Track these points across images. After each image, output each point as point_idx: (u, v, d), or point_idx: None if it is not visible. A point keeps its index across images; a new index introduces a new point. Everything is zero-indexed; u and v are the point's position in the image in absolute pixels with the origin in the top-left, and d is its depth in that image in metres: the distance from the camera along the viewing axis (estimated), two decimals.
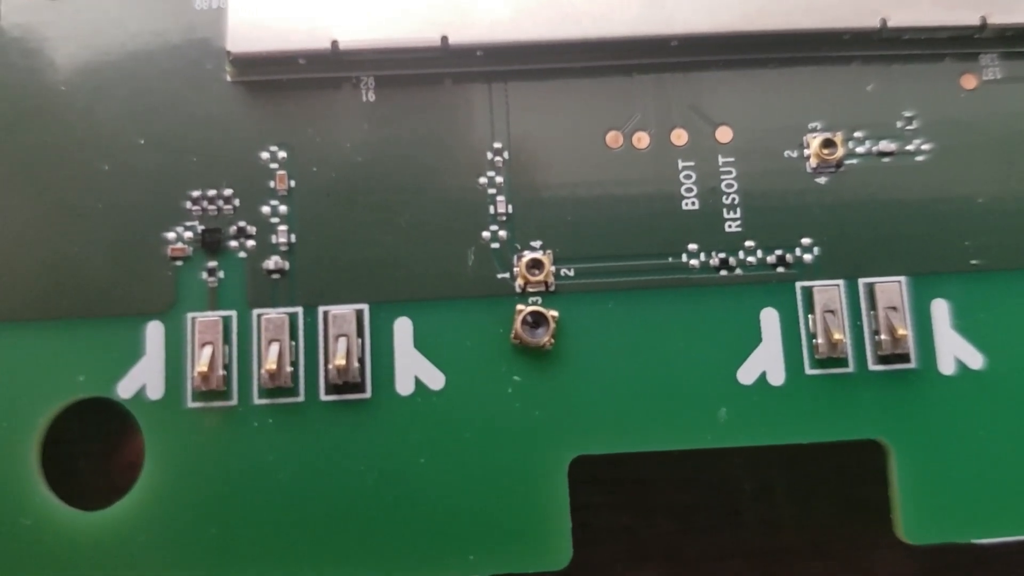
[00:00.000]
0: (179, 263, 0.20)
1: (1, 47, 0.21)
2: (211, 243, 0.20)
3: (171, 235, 0.20)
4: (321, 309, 0.20)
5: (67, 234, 0.20)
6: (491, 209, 0.21)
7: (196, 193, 0.21)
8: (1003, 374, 0.20)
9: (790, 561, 0.23)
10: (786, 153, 0.21)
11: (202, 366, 0.19)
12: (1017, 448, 0.20)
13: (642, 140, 0.21)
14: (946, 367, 0.20)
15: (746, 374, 0.20)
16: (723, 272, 0.21)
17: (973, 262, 0.21)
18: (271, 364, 0.19)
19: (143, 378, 0.20)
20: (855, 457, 0.22)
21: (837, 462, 0.24)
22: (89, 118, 0.21)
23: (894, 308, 0.20)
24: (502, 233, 0.21)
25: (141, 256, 0.20)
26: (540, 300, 0.20)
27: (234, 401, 0.20)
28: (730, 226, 0.21)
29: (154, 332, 0.20)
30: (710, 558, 0.23)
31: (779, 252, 0.21)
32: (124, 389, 0.20)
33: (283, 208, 0.21)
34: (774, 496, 0.24)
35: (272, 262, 0.20)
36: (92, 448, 0.22)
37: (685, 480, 0.24)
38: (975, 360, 0.20)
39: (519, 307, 0.20)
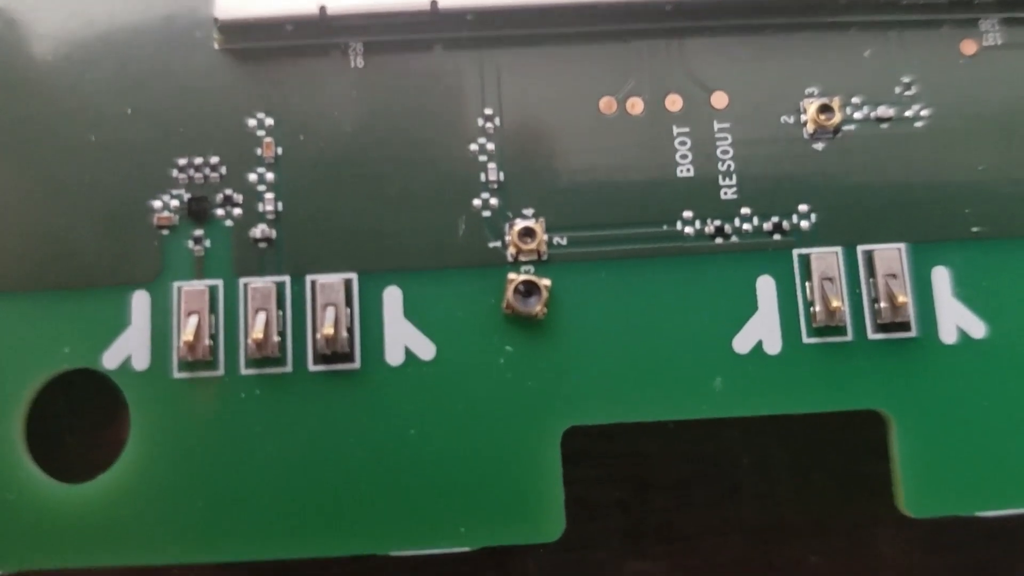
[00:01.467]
0: (165, 232, 0.20)
1: None
2: (198, 212, 0.20)
3: (157, 204, 0.20)
4: (309, 278, 0.20)
5: (53, 205, 0.20)
6: (482, 177, 0.20)
7: (183, 161, 0.20)
8: (1006, 343, 0.20)
9: (790, 538, 0.23)
10: (783, 119, 0.21)
11: (188, 335, 0.19)
12: (1021, 419, 0.20)
13: (636, 106, 0.21)
14: (948, 336, 0.20)
15: (742, 343, 0.20)
16: (718, 240, 0.20)
17: (974, 229, 0.20)
18: (258, 333, 0.19)
19: (129, 348, 0.20)
20: (854, 430, 0.22)
21: (836, 435, 0.23)
22: (76, 89, 0.21)
23: (893, 275, 0.20)
24: (493, 201, 0.20)
25: (127, 226, 0.20)
26: (532, 269, 0.20)
27: (221, 371, 0.20)
28: (726, 193, 0.20)
29: (140, 302, 0.20)
30: (707, 533, 0.23)
31: (775, 219, 0.20)
32: (109, 360, 0.20)
33: (270, 176, 0.20)
34: (773, 471, 0.23)
35: (259, 230, 0.20)
36: (78, 422, 0.21)
37: (681, 454, 0.23)
38: (977, 329, 0.20)
39: (511, 276, 0.20)
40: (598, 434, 0.23)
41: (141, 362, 0.20)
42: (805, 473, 0.23)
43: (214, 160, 0.20)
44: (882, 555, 0.23)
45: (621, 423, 0.20)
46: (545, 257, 0.20)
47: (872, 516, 0.23)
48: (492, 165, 0.20)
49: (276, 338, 0.19)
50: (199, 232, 0.20)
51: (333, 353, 0.20)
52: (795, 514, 0.23)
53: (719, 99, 0.21)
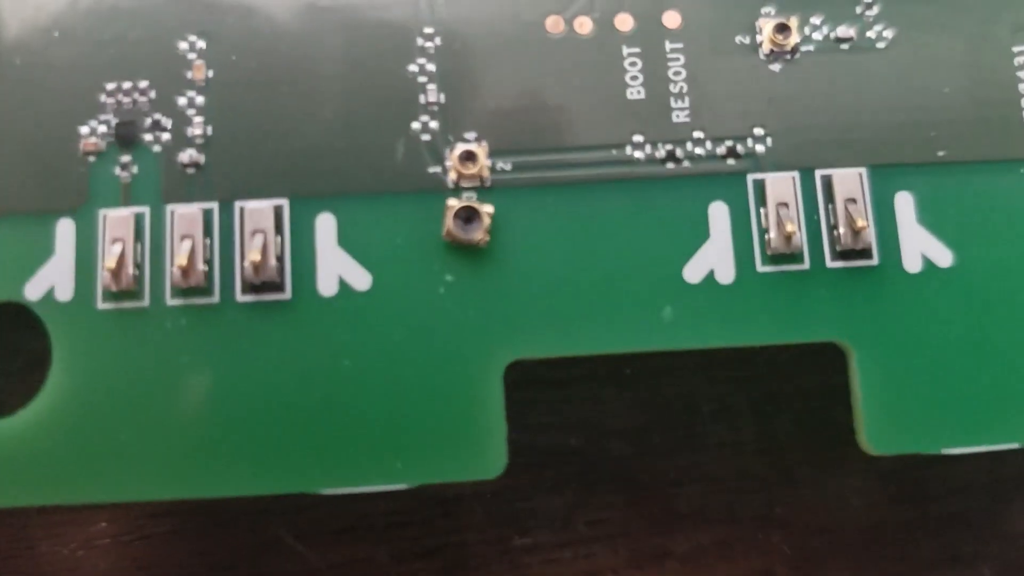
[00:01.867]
0: (92, 159, 0.20)
1: None
2: (125, 137, 0.19)
3: (85, 130, 0.20)
4: (238, 204, 0.19)
5: None
6: (421, 99, 0.20)
7: (111, 86, 0.20)
8: (973, 272, 0.19)
9: (753, 487, 0.22)
10: (737, 39, 0.20)
11: (110, 263, 0.18)
12: (989, 351, 0.19)
13: (584, 25, 0.20)
14: (911, 264, 0.19)
15: (693, 272, 0.19)
16: (670, 164, 0.20)
17: (940, 153, 0.20)
18: (182, 260, 0.18)
19: (52, 279, 0.19)
20: (820, 375, 0.21)
21: (800, 381, 0.23)
22: (5, 13, 0.20)
23: (853, 200, 0.19)
24: (433, 124, 0.20)
25: (53, 152, 0.20)
26: (474, 195, 0.19)
27: (146, 302, 0.19)
28: (678, 116, 0.20)
29: (65, 230, 0.19)
30: (666, 482, 0.22)
31: (729, 143, 0.20)
32: (32, 291, 0.19)
33: (200, 99, 0.20)
34: (734, 418, 0.23)
35: (187, 155, 0.19)
36: (3, 364, 0.20)
37: (638, 401, 0.23)
38: (943, 257, 0.19)
39: (451, 202, 0.19)
40: (550, 381, 0.22)
41: (65, 293, 0.19)
42: (768, 421, 0.23)
43: (143, 84, 0.20)
44: (850, 506, 0.23)
45: (572, 366, 0.20)
46: (488, 183, 0.19)
47: (839, 465, 0.23)
48: (432, 86, 0.20)
49: (203, 267, 0.19)
50: (127, 158, 0.19)
51: (262, 283, 0.19)
52: (758, 463, 0.23)
53: (671, 18, 0.20)
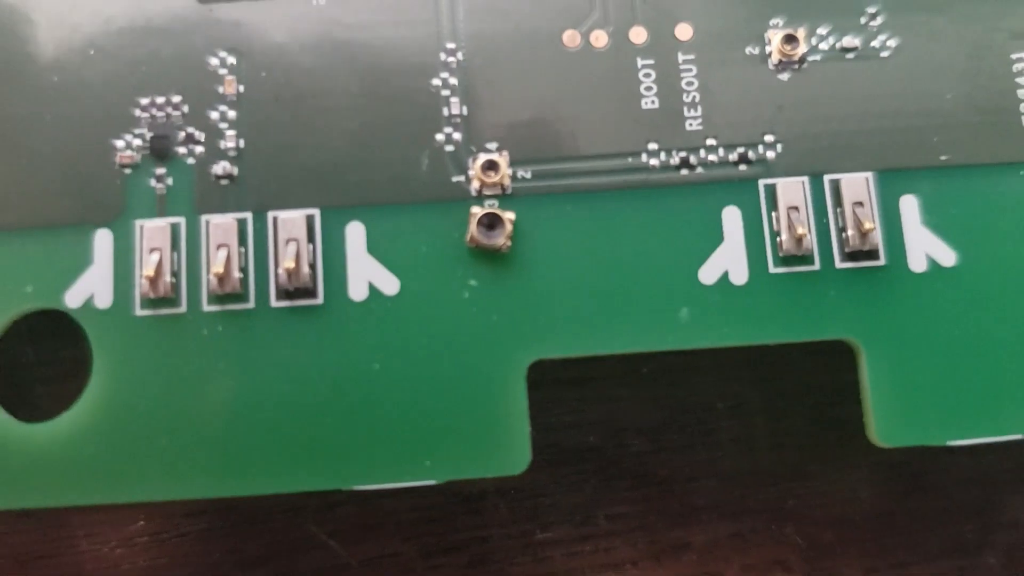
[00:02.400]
0: (127, 171, 0.20)
1: None
2: (159, 150, 0.20)
3: (120, 143, 0.20)
4: (271, 214, 0.20)
5: (15, 145, 0.20)
6: (445, 111, 0.20)
7: (145, 100, 0.20)
8: (976, 271, 0.20)
9: (766, 481, 0.23)
10: (747, 50, 0.21)
11: (149, 271, 0.19)
12: (991, 347, 0.20)
13: (600, 39, 0.21)
14: (917, 264, 0.20)
15: (708, 274, 0.20)
16: (684, 171, 0.20)
17: (943, 157, 0.20)
18: (218, 268, 0.19)
19: (91, 287, 0.20)
20: (829, 373, 0.22)
21: (811, 379, 0.23)
22: (38, 30, 0.21)
23: (860, 204, 0.20)
24: (456, 135, 0.20)
25: (90, 165, 0.20)
26: (496, 203, 0.20)
27: (183, 308, 0.20)
28: (691, 124, 0.20)
29: (102, 240, 0.20)
30: (682, 478, 0.23)
31: (741, 150, 0.20)
32: (72, 299, 0.20)
33: (232, 113, 0.20)
34: (747, 415, 0.23)
35: (221, 167, 0.20)
36: (41, 363, 0.21)
37: (654, 400, 0.23)
38: (947, 257, 0.20)
39: (474, 209, 0.20)
40: (569, 380, 0.23)
41: (104, 300, 0.20)
42: (780, 417, 0.23)
43: (176, 99, 0.20)
44: (859, 498, 0.23)
45: (591, 366, 0.20)
46: (509, 191, 0.20)
47: (849, 459, 0.23)
48: (455, 99, 0.20)
49: (238, 274, 0.20)
50: (161, 170, 0.20)
51: (296, 289, 0.20)
52: (771, 458, 0.23)
53: (683, 31, 0.21)
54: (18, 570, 0.22)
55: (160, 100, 0.20)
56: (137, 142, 0.20)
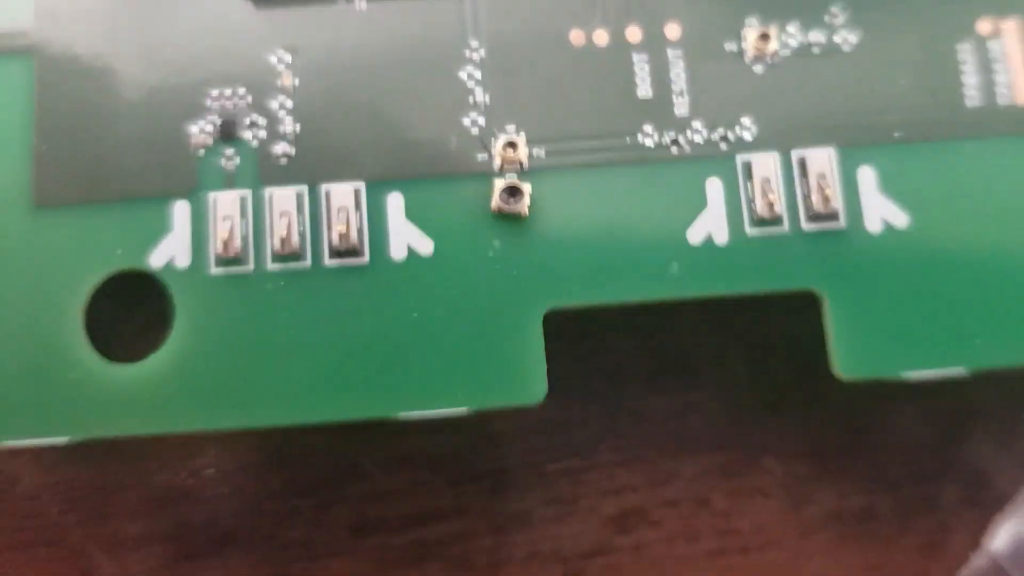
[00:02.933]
0: (200, 152, 0.23)
1: None
2: (228, 133, 0.23)
3: (194, 128, 0.23)
4: (323, 187, 0.23)
5: (106, 131, 0.23)
6: (470, 99, 0.23)
7: (215, 92, 0.23)
8: (924, 231, 0.23)
9: (748, 419, 0.26)
10: (727, 46, 0.24)
11: (223, 234, 0.22)
12: (937, 294, 0.22)
13: (601, 37, 0.24)
14: (873, 226, 0.23)
15: (694, 235, 0.23)
16: (674, 149, 0.23)
17: (896, 135, 0.23)
18: (282, 231, 0.22)
19: (172, 250, 0.23)
20: (799, 325, 0.24)
21: (783, 329, 0.25)
22: (121, 33, 0.24)
23: (823, 175, 0.23)
24: (481, 120, 0.23)
25: (168, 147, 0.23)
26: (515, 176, 0.23)
27: (250, 267, 0.22)
28: (679, 109, 0.23)
29: (180, 210, 0.23)
30: (674, 416, 0.26)
31: (722, 131, 0.23)
32: (155, 260, 0.23)
33: (289, 103, 0.23)
34: (729, 361, 0.26)
35: (280, 148, 0.23)
36: (127, 316, 0.24)
37: (649, 348, 0.26)
38: (899, 219, 0.23)
39: (497, 182, 0.23)
40: (575, 334, 0.26)
41: (183, 261, 0.23)
42: (758, 363, 0.26)
43: (241, 91, 0.23)
44: (829, 433, 0.26)
45: (593, 320, 0.24)
46: (526, 166, 0.23)
47: (819, 400, 0.26)
48: (479, 89, 0.23)
49: (296, 238, 0.23)
50: (229, 151, 0.23)
51: (345, 250, 0.23)
52: (750, 398, 0.26)
53: (672, 30, 0.24)
54: (102, 496, 0.25)
55: (227, 92, 0.23)
56: (208, 127, 0.23)
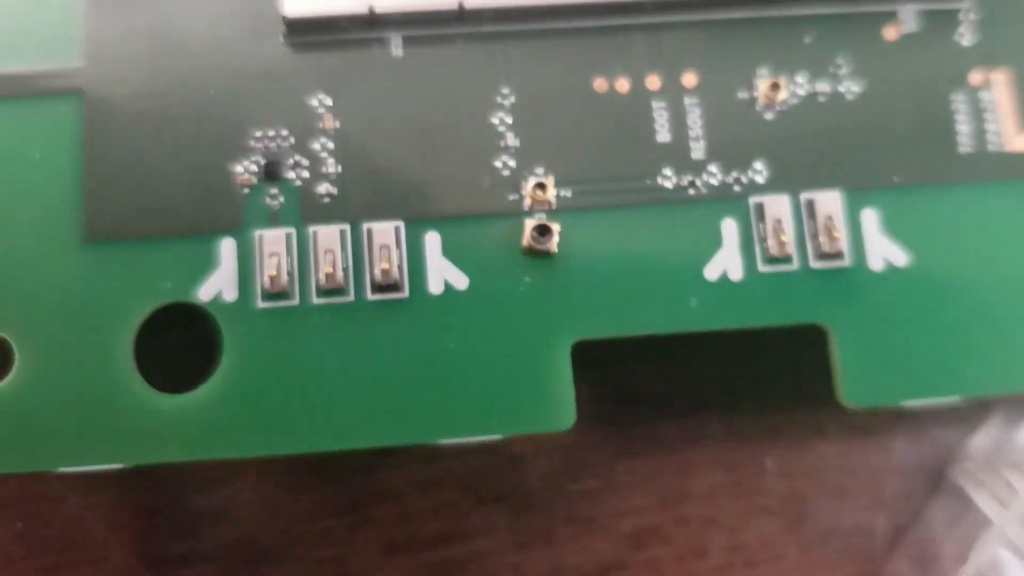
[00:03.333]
0: (246, 190, 0.24)
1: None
2: (272, 173, 0.24)
3: (239, 168, 0.24)
4: (365, 226, 0.24)
5: (154, 169, 0.24)
6: (502, 143, 0.25)
7: (258, 133, 0.24)
8: (923, 269, 0.24)
9: (749, 442, 0.27)
10: (739, 94, 0.25)
11: (271, 270, 0.23)
12: (934, 328, 0.24)
13: (623, 85, 0.25)
14: (875, 264, 0.24)
15: (711, 272, 0.24)
16: (691, 191, 0.24)
17: (895, 179, 0.25)
18: (328, 268, 0.23)
19: (219, 284, 0.24)
20: (802, 355, 0.25)
21: (787, 358, 0.27)
22: (168, 74, 0.25)
23: (830, 216, 0.25)
24: (511, 162, 0.24)
25: (215, 186, 0.24)
26: (545, 216, 0.24)
27: (296, 301, 0.24)
28: (696, 153, 0.25)
29: (227, 247, 0.24)
30: (686, 439, 0.27)
31: (735, 174, 0.25)
32: (204, 293, 0.24)
33: (330, 144, 0.25)
34: (735, 389, 0.27)
35: (323, 188, 0.24)
36: (176, 348, 0.25)
37: (662, 376, 0.27)
38: (900, 258, 0.24)
39: (527, 221, 0.24)
40: (595, 362, 0.27)
41: (230, 295, 0.24)
42: (762, 389, 0.27)
43: (284, 132, 0.24)
44: (828, 455, 0.28)
45: (610, 351, 0.25)
46: (554, 206, 0.24)
47: (819, 424, 0.27)
48: (509, 134, 0.25)
49: (341, 273, 0.24)
50: (274, 190, 0.24)
51: (386, 284, 0.24)
52: (755, 423, 0.27)
53: (689, 79, 0.25)
54: (142, 518, 0.26)
55: (271, 133, 0.25)
56: (252, 167, 0.24)
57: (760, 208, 0.24)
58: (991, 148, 0.25)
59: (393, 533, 0.26)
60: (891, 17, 0.26)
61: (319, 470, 0.26)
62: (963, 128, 0.25)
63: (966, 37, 0.26)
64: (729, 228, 0.24)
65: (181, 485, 0.26)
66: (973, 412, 0.27)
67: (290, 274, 0.24)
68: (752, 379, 0.27)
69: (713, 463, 0.27)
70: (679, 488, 0.27)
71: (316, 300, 0.24)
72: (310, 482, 0.26)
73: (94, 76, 0.25)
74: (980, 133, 0.25)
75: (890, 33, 0.26)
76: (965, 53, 0.26)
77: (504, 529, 0.26)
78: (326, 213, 0.24)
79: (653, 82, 0.25)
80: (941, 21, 0.26)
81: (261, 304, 0.24)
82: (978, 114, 0.25)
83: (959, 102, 0.25)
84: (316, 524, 0.26)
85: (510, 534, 0.26)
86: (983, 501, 0.27)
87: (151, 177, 0.24)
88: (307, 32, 0.25)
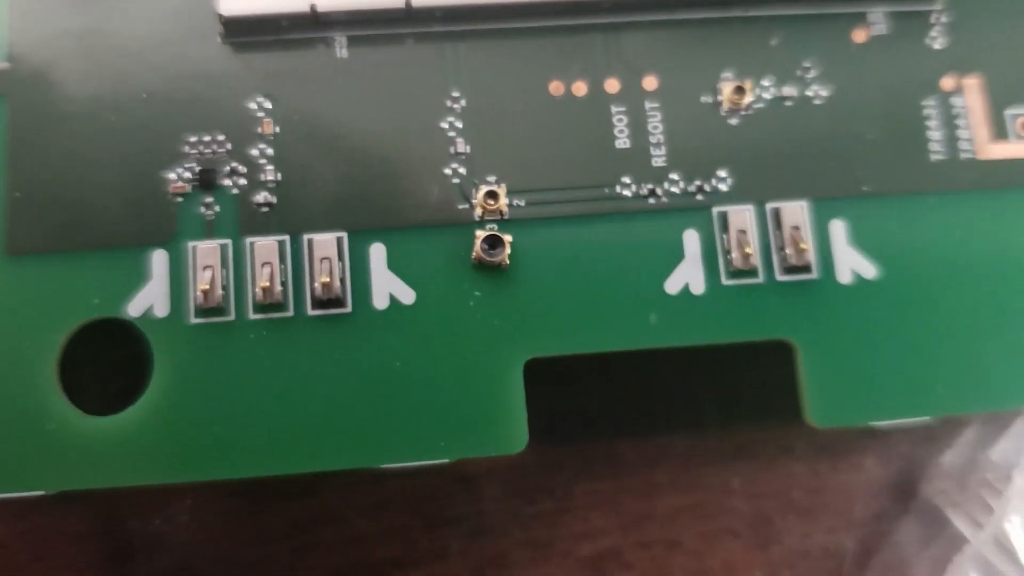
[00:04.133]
0: (179, 199, 0.23)
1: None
2: (207, 181, 0.23)
3: (172, 175, 0.23)
4: (305, 237, 0.23)
5: (81, 178, 0.23)
6: (451, 149, 0.24)
7: (193, 138, 0.23)
8: (893, 283, 0.23)
9: (715, 461, 0.26)
10: (703, 98, 0.24)
11: (204, 285, 0.22)
12: (905, 345, 0.23)
13: (580, 89, 0.24)
14: (844, 277, 0.23)
15: (672, 285, 0.23)
16: (651, 200, 0.24)
17: (864, 188, 0.24)
18: (265, 283, 0.22)
19: (150, 299, 0.22)
20: (771, 370, 0.25)
21: (755, 375, 0.26)
22: (98, 77, 0.23)
23: (797, 227, 0.24)
24: (461, 170, 0.24)
25: (146, 194, 0.23)
26: (496, 226, 0.23)
27: (231, 317, 0.22)
28: (656, 161, 0.24)
29: (159, 259, 0.23)
30: (646, 460, 0.26)
31: (698, 182, 0.24)
32: (133, 309, 0.22)
33: (269, 151, 0.23)
34: (700, 405, 0.27)
35: (261, 197, 0.23)
36: (103, 365, 0.24)
37: (623, 392, 0.26)
38: (869, 271, 0.24)
39: (478, 232, 0.23)
40: (553, 378, 0.26)
41: (161, 310, 0.22)
42: (727, 406, 0.26)
43: (220, 137, 0.23)
44: (795, 474, 0.27)
45: (570, 366, 0.24)
46: (507, 216, 0.23)
47: (786, 442, 0.27)
48: (460, 139, 0.24)
49: (279, 287, 0.23)
50: (209, 199, 0.23)
51: (328, 299, 0.23)
52: (720, 441, 0.26)
53: (649, 82, 0.24)
54: (73, 544, 0.25)
55: (206, 138, 0.23)
56: (187, 174, 0.23)
57: (724, 218, 0.24)
58: (963, 156, 0.24)
59: (339, 559, 0.25)
60: (860, 19, 0.25)
61: (259, 493, 0.25)
62: (935, 135, 0.24)
63: (938, 40, 0.25)
64: (691, 239, 0.24)
65: (113, 510, 0.25)
66: (945, 428, 0.27)
67: (225, 288, 0.23)
68: (717, 396, 0.27)
69: (676, 484, 0.26)
70: (640, 510, 0.26)
71: (253, 316, 0.23)
72: (251, 505, 0.25)
73: (18, 78, 0.24)
74: (952, 140, 0.24)
75: (859, 35, 0.25)
76: (936, 57, 0.25)
77: (457, 554, 0.25)
78: (264, 223, 0.23)
79: (612, 85, 0.24)
80: (912, 24, 0.25)
81: (194, 320, 0.23)
82: (950, 121, 0.25)
83: (930, 108, 0.25)
84: (257, 550, 0.25)
85: (463, 559, 0.25)
86: (958, 520, 0.26)
87: (79, 185, 0.23)
88: (245, 32, 0.24)
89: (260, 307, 0.23)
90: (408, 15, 0.24)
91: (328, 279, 0.22)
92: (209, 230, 0.23)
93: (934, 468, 0.27)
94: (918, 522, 0.26)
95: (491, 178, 0.23)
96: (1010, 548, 0.26)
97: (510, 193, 0.23)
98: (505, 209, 0.23)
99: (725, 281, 0.23)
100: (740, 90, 0.24)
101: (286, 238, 0.23)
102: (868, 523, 0.26)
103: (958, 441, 0.27)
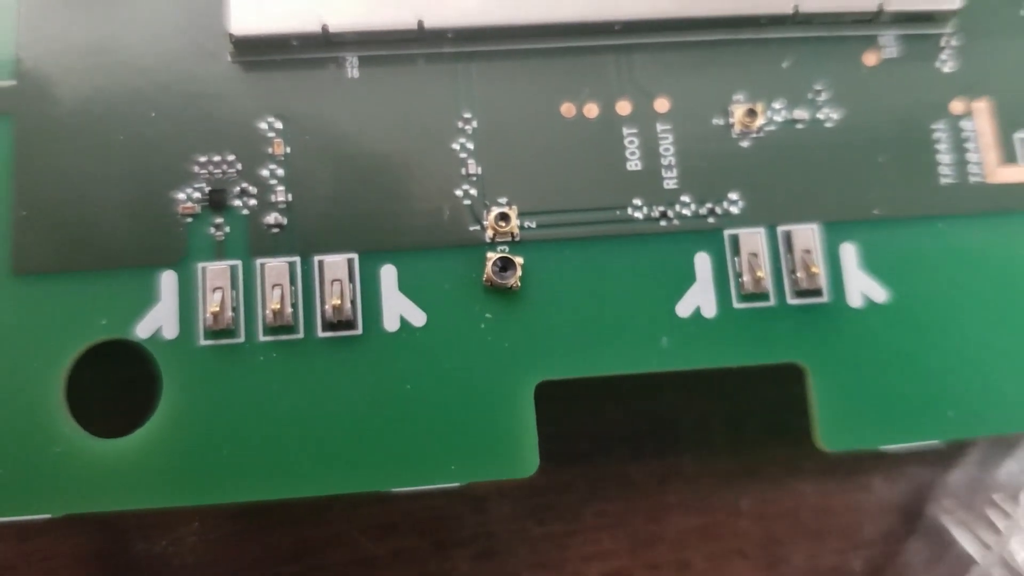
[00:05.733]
0: (189, 220, 0.23)
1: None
2: (217, 202, 0.23)
3: (181, 195, 0.23)
4: (316, 258, 0.23)
5: (90, 196, 0.23)
6: (463, 171, 0.23)
7: (203, 159, 0.23)
8: (904, 306, 0.23)
9: (723, 482, 0.26)
10: (714, 121, 0.24)
11: (214, 307, 0.22)
12: (916, 369, 0.23)
13: (592, 110, 0.24)
14: (854, 301, 0.23)
15: (683, 308, 0.23)
16: (663, 223, 0.24)
17: (875, 211, 0.24)
18: (275, 305, 0.22)
19: (159, 320, 0.22)
20: (780, 390, 0.25)
21: (764, 395, 0.26)
22: (106, 95, 0.23)
23: (808, 251, 0.23)
24: (473, 191, 0.23)
25: (155, 214, 0.23)
26: (507, 248, 0.23)
27: (241, 339, 0.22)
28: (668, 183, 0.24)
29: (168, 280, 0.23)
30: (656, 481, 0.26)
31: (710, 205, 0.24)
32: (142, 330, 0.22)
33: (280, 171, 0.23)
34: (709, 426, 0.27)
35: (272, 218, 0.23)
36: (112, 387, 0.24)
37: (633, 413, 0.26)
38: (879, 295, 0.24)
39: (489, 254, 0.23)
40: (567, 396, 0.26)
41: (171, 332, 0.22)
42: (737, 428, 0.27)
43: (230, 158, 0.23)
44: (804, 495, 0.27)
45: (580, 387, 0.24)
46: (518, 238, 0.23)
47: (795, 463, 0.27)
48: (471, 161, 0.24)
49: (289, 309, 0.22)
50: (219, 220, 0.23)
51: (339, 321, 0.22)
52: (730, 463, 0.26)
53: (661, 104, 0.24)
54: (79, 566, 0.25)
55: (216, 158, 0.23)
56: (196, 195, 0.23)
57: (735, 241, 0.23)
58: (973, 180, 0.24)
59: None
60: (871, 42, 0.25)
61: (266, 515, 0.25)
62: (944, 159, 0.24)
63: (948, 64, 0.25)
64: (703, 262, 0.23)
65: (121, 532, 0.25)
66: (952, 449, 0.27)
67: (235, 310, 0.22)
68: (727, 417, 0.27)
69: (686, 505, 0.26)
70: (650, 531, 0.26)
71: (263, 338, 0.22)
72: (257, 527, 0.25)
73: (26, 96, 0.23)
74: (962, 164, 0.24)
75: (870, 59, 0.25)
76: (946, 80, 0.25)
77: (466, 575, 0.25)
78: (274, 245, 0.23)
79: (624, 107, 0.24)
80: (922, 47, 0.25)
81: (203, 342, 0.22)
82: (959, 144, 0.25)
83: (940, 131, 0.24)
84: (264, 572, 0.25)
85: None
86: (965, 541, 0.26)
87: (87, 205, 0.23)
88: (256, 51, 0.23)
89: (270, 329, 0.22)
90: (420, 36, 0.24)
91: (339, 301, 0.22)
92: (219, 251, 0.23)
93: (941, 489, 0.27)
94: (925, 543, 0.26)
95: (502, 200, 0.23)
96: (1017, 569, 0.26)
97: (521, 215, 0.23)
98: (516, 231, 0.23)
99: (736, 304, 0.23)
100: (752, 112, 0.24)
101: (296, 259, 0.23)
102: (876, 543, 0.26)
103: (965, 462, 0.27)
